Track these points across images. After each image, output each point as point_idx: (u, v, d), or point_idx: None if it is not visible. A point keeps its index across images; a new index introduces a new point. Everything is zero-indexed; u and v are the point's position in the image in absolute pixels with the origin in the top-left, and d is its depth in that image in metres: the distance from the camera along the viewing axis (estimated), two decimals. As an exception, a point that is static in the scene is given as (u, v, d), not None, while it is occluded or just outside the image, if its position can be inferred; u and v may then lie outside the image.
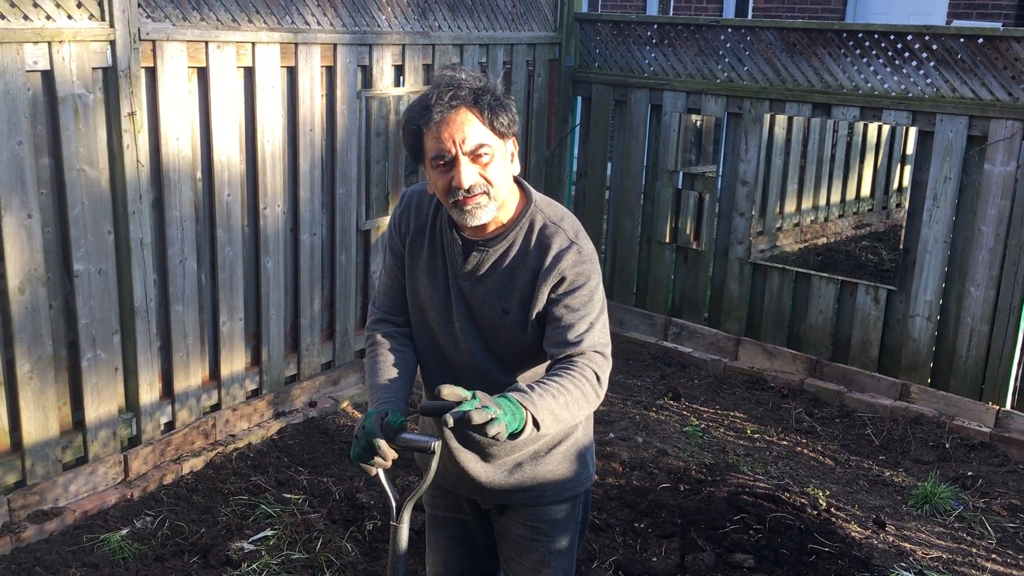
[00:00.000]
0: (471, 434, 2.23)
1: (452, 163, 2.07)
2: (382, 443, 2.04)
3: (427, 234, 2.28)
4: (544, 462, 2.33)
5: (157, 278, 4.12)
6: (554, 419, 2.02)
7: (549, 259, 2.14)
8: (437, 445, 2.09)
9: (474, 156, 2.07)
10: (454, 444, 2.31)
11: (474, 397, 1.90)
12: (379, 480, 2.17)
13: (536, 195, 2.24)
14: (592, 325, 2.15)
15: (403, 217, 2.32)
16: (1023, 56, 4.67)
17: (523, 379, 2.24)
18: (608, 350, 2.18)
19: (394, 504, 2.19)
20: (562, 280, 2.14)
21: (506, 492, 2.34)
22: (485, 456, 2.32)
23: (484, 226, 2.18)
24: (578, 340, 2.13)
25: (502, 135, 2.11)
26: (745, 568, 3.62)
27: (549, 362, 2.20)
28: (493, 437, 1.85)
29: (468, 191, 2.06)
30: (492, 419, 1.85)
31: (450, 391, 1.89)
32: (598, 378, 2.12)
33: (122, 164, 3.86)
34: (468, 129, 2.05)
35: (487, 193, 2.08)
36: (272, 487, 4.15)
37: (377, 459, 2.06)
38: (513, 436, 1.93)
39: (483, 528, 2.49)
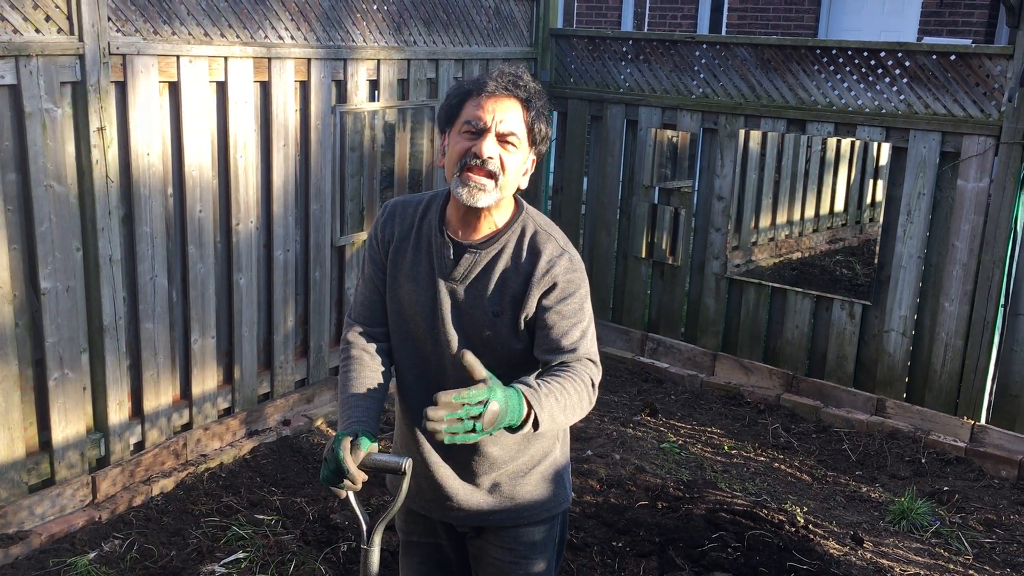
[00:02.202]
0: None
1: (480, 133, 2.08)
2: (351, 466, 2.01)
3: (411, 239, 2.26)
4: (523, 483, 2.30)
5: (127, 295, 4.05)
6: (552, 421, 1.99)
7: (542, 264, 2.14)
8: (408, 465, 2.06)
9: (502, 139, 2.09)
10: (432, 460, 2.28)
11: (489, 387, 1.86)
12: (349, 503, 2.13)
13: (527, 205, 2.26)
14: (584, 333, 2.15)
15: (385, 226, 2.30)
16: (995, 73, 4.71)
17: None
18: (598, 360, 2.18)
19: (364, 527, 2.15)
20: (554, 286, 2.14)
21: (483, 513, 2.30)
22: (464, 474, 2.28)
23: (476, 229, 2.18)
24: (573, 347, 2.12)
25: (533, 142, 2.16)
26: (724, 587, 3.60)
27: (540, 370, 2.17)
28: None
29: (483, 163, 2.07)
30: (467, 430, 1.83)
31: (472, 360, 1.89)
32: (593, 385, 2.12)
33: (91, 180, 3.80)
34: (510, 115, 2.10)
35: (495, 178, 2.09)
36: (244, 508, 4.08)
37: (346, 482, 2.03)
38: (509, 430, 1.93)
39: (458, 552, 2.44)
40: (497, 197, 2.11)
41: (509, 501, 2.30)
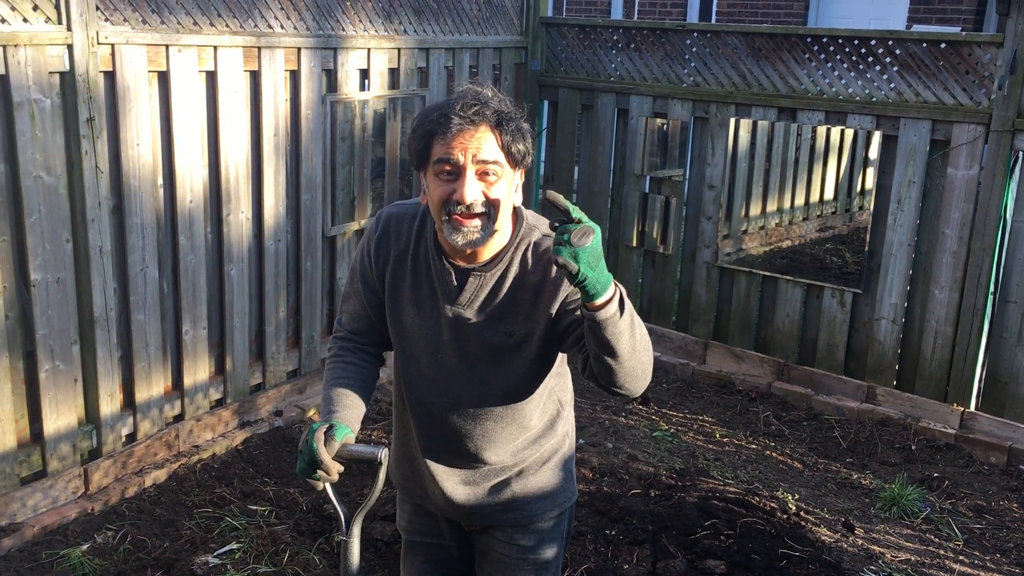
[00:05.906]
0: (458, 455, 2.22)
1: (457, 174, 1.94)
2: (325, 457, 1.99)
3: (409, 262, 2.15)
4: (532, 480, 2.28)
5: (117, 287, 4.04)
6: (631, 320, 1.90)
7: (554, 268, 2.05)
8: (383, 455, 2.05)
9: (481, 173, 1.95)
10: (437, 470, 2.25)
11: (578, 222, 1.77)
12: (327, 494, 2.12)
13: (527, 213, 2.16)
14: None
15: (380, 246, 2.18)
16: (984, 60, 4.72)
17: (523, 409, 2.19)
18: None
19: (343, 518, 2.14)
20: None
21: (493, 513, 2.28)
22: (469, 480, 2.26)
23: (477, 254, 2.06)
24: None
25: (514, 163, 2.00)
26: (717, 574, 3.61)
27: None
28: (562, 265, 1.76)
29: (468, 208, 1.94)
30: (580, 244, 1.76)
31: (555, 196, 1.76)
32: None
33: (80, 170, 3.77)
34: (484, 145, 1.94)
35: (487, 215, 1.97)
36: (237, 499, 4.07)
37: (321, 473, 2.01)
38: (589, 297, 1.83)
39: (462, 549, 2.42)
40: (493, 230, 2.00)
41: (519, 500, 2.27)
